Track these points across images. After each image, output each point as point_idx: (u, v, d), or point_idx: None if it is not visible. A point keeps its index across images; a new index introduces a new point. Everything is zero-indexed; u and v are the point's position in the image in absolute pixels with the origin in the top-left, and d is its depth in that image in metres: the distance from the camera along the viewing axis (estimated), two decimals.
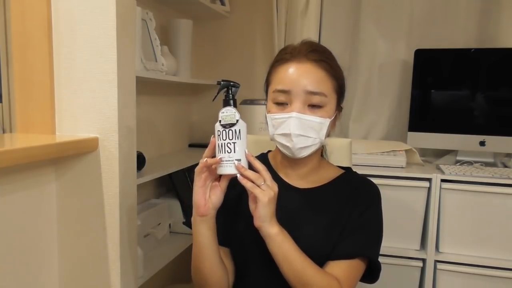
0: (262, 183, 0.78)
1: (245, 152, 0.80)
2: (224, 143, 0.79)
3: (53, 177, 0.98)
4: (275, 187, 0.79)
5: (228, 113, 0.80)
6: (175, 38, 1.78)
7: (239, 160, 0.79)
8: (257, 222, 0.80)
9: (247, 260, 0.93)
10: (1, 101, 1.26)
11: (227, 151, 0.79)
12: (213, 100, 0.82)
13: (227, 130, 0.79)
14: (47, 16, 0.95)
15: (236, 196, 0.93)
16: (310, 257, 0.87)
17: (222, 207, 0.85)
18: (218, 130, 0.80)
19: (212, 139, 0.80)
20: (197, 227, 0.84)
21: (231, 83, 0.82)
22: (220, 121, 0.80)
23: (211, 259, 0.86)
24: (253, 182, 0.78)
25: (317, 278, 0.83)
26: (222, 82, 0.82)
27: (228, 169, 0.79)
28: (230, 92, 0.82)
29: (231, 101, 0.82)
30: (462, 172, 1.50)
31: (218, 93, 0.82)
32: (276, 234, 0.81)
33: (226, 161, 0.79)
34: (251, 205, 0.81)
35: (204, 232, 0.84)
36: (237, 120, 0.80)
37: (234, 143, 0.79)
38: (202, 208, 0.82)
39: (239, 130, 0.80)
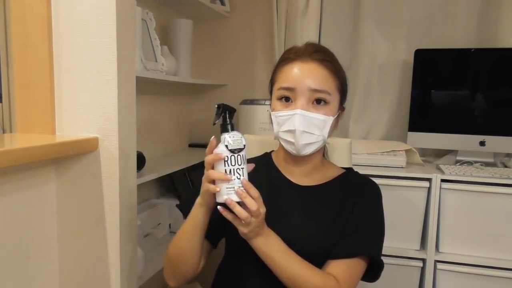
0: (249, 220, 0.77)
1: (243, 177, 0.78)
2: (234, 169, 0.76)
3: (53, 177, 0.98)
4: (260, 215, 0.79)
5: (236, 138, 0.77)
6: (175, 38, 1.78)
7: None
8: (241, 236, 0.82)
9: (242, 258, 0.93)
10: (1, 101, 1.26)
11: (237, 177, 0.76)
12: (214, 124, 0.80)
13: (235, 155, 0.76)
14: (47, 16, 0.95)
15: None
16: (312, 253, 0.88)
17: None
18: (226, 156, 0.76)
19: (212, 139, 0.78)
20: (200, 212, 0.84)
21: (230, 108, 0.79)
22: (227, 146, 0.76)
23: (197, 241, 0.87)
24: (249, 213, 0.77)
25: (311, 279, 0.84)
26: (222, 106, 0.79)
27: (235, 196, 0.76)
28: (228, 117, 0.78)
29: (230, 126, 0.78)
30: (462, 172, 1.50)
31: (220, 117, 0.79)
32: (261, 245, 0.83)
33: (238, 187, 0.76)
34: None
35: (204, 218, 0.84)
36: (244, 145, 0.77)
37: (242, 168, 0.77)
38: (213, 200, 0.81)
39: (244, 155, 0.77)
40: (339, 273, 0.87)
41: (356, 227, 0.92)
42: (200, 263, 0.93)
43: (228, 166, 0.76)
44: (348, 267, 0.88)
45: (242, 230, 0.80)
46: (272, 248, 0.84)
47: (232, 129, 0.78)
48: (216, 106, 0.80)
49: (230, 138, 0.77)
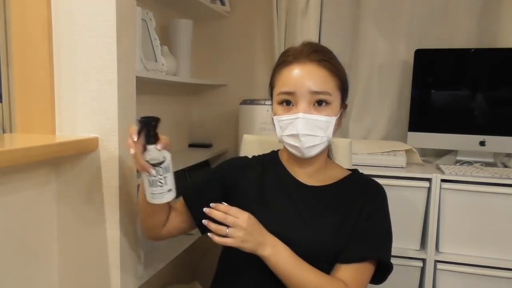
0: (227, 231, 0.81)
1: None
2: (156, 180, 0.81)
3: (53, 177, 0.98)
4: (243, 222, 0.81)
5: (154, 155, 0.79)
6: (175, 38, 1.78)
7: (170, 190, 0.83)
8: (247, 252, 0.84)
9: (237, 259, 0.93)
10: (1, 101, 1.26)
11: (159, 185, 0.82)
12: (136, 140, 0.78)
13: (157, 168, 0.80)
14: (47, 16, 0.95)
15: (248, 183, 0.97)
16: (318, 255, 0.88)
17: (225, 184, 0.96)
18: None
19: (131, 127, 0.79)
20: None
21: (151, 121, 0.78)
22: (147, 161, 0.79)
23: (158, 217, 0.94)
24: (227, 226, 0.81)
25: (320, 286, 0.84)
26: (141, 120, 0.78)
27: (164, 199, 0.84)
28: (150, 130, 0.78)
29: (152, 139, 0.79)
30: (462, 172, 1.50)
31: (139, 133, 0.78)
32: (269, 255, 0.83)
33: (159, 193, 0.82)
34: None
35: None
36: (164, 157, 0.80)
37: (165, 177, 0.82)
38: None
39: (168, 164, 0.81)
40: (348, 279, 0.87)
41: (365, 231, 0.91)
42: (164, 228, 0.98)
43: (150, 177, 0.81)
44: (357, 272, 0.88)
45: (238, 244, 0.81)
46: (280, 257, 0.84)
47: (150, 143, 0.79)
48: (136, 120, 0.79)
49: (149, 156, 0.79)
